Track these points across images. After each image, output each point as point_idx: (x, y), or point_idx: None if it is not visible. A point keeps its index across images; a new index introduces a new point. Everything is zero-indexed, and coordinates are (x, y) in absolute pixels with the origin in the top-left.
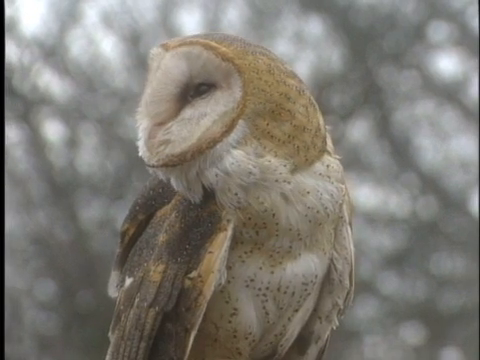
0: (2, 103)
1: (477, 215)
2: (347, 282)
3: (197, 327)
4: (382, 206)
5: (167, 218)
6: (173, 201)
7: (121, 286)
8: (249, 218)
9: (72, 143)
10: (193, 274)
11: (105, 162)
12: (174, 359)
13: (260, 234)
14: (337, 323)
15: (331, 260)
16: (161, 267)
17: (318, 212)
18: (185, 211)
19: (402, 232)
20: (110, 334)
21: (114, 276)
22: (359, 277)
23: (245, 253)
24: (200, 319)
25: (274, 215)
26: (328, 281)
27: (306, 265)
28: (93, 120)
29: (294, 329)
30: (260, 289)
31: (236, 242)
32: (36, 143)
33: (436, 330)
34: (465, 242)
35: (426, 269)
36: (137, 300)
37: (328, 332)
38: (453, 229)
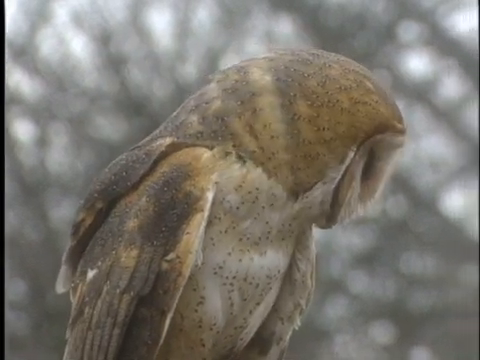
0: (2, 103)
1: (447, 214)
2: (309, 282)
3: (173, 309)
4: None
5: (135, 204)
6: (140, 187)
7: (81, 280)
8: (257, 188)
9: (42, 142)
10: (171, 256)
11: (75, 161)
12: (149, 343)
13: (241, 209)
14: (299, 323)
15: (294, 260)
16: (135, 252)
17: (290, 226)
18: (158, 194)
19: (372, 231)
20: (68, 331)
21: (63, 271)
22: (329, 276)
23: (220, 233)
24: (176, 301)
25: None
26: (289, 282)
27: (271, 258)
28: (63, 119)
29: (254, 323)
30: (227, 278)
31: (211, 222)
32: (6, 142)
33: (406, 329)
34: (435, 241)
35: (396, 268)
36: (107, 288)
37: (290, 332)
38: (423, 228)
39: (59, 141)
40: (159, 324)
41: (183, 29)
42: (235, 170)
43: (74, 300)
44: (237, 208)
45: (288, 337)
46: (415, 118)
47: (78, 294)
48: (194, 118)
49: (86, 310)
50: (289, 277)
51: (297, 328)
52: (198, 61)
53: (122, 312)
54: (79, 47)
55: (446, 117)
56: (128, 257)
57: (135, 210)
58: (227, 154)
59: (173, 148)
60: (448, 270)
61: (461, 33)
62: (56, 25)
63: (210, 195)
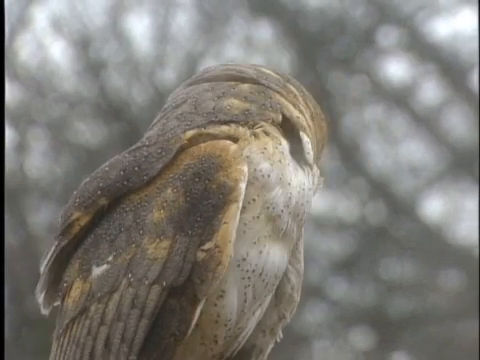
0: (2, 103)
1: (426, 220)
2: (296, 295)
3: (205, 299)
4: (331, 211)
5: (155, 197)
6: (159, 180)
7: (82, 277)
8: (280, 143)
9: (21, 147)
10: (208, 245)
11: (54, 166)
12: (176, 334)
13: (271, 175)
14: (281, 336)
15: (285, 273)
16: (166, 243)
17: (303, 191)
18: (188, 184)
19: (351, 237)
20: (61, 331)
21: (46, 277)
22: (308, 282)
23: (253, 218)
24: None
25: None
26: (275, 293)
27: (280, 256)
28: (42, 124)
29: (251, 326)
30: (247, 271)
31: (244, 208)
32: None
33: (385, 335)
34: (414, 247)
35: (375, 274)
36: (128, 280)
37: (271, 345)
38: (402, 234)
39: (38, 146)
40: (189, 314)
41: (162, 34)
42: (255, 144)
43: (65, 300)
44: (268, 176)
45: (269, 350)
46: (394, 123)
47: (78, 292)
48: (231, 100)
49: (93, 306)
50: (276, 289)
51: (279, 340)
52: (177, 66)
53: (152, 303)
54: (58, 52)
55: (425, 122)
56: (157, 248)
57: (159, 202)
58: (248, 140)
59: (191, 142)
60: (427, 275)
61: (440, 38)
62: (35, 30)
63: (243, 186)
